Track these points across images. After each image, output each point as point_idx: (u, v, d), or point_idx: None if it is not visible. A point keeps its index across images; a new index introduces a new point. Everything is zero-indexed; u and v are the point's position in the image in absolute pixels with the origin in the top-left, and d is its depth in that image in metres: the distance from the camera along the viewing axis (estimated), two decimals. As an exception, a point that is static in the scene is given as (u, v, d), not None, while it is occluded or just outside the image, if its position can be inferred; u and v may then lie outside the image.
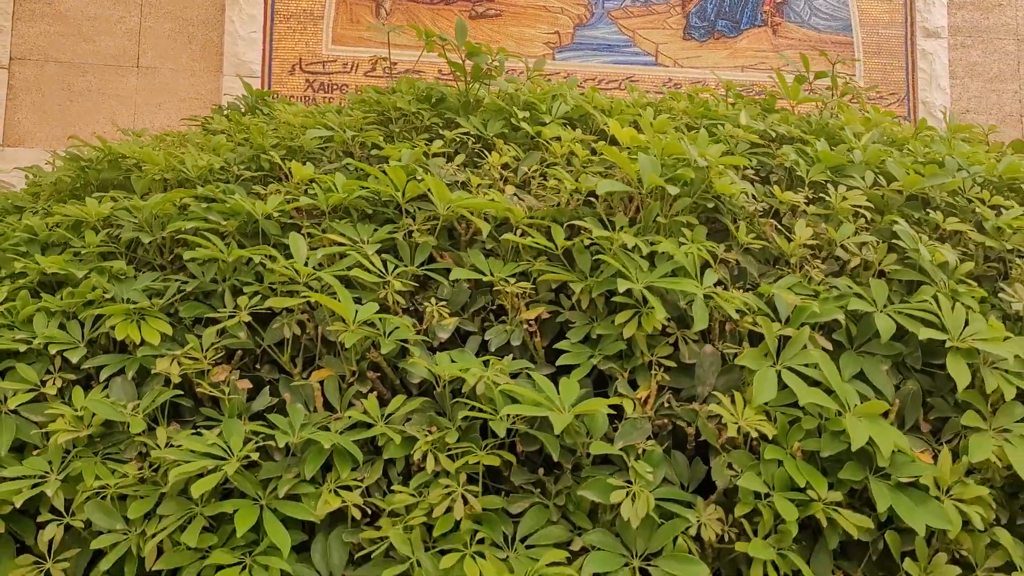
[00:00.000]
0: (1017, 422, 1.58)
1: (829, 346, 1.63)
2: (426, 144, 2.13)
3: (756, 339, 1.66)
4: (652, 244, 1.72)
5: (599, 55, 5.46)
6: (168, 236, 1.90)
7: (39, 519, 1.49)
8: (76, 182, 2.40)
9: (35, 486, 1.48)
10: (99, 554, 1.47)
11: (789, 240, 1.84)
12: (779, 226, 1.91)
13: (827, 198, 1.97)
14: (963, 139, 2.68)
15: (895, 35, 5.50)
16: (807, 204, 1.98)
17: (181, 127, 3.05)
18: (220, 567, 1.38)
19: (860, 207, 1.96)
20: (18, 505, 1.44)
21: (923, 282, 1.77)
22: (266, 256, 1.74)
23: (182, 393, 1.61)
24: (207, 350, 1.65)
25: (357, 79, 4.94)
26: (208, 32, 4.87)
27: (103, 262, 1.88)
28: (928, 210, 2.01)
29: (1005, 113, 5.70)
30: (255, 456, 1.48)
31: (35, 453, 1.56)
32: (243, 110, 2.93)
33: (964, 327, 1.63)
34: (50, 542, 1.47)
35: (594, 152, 2.07)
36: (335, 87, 4.94)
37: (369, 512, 1.49)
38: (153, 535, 1.41)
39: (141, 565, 1.44)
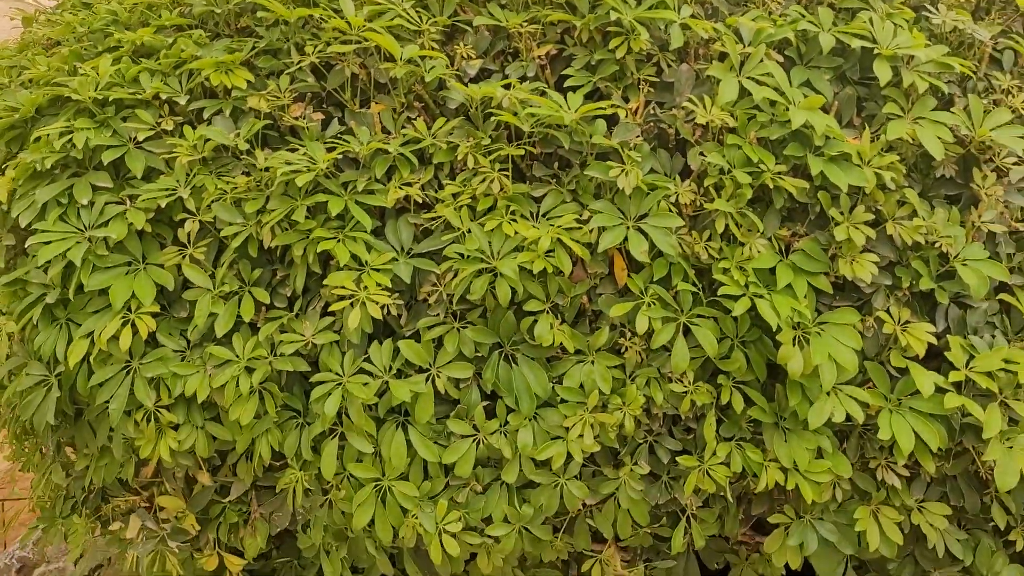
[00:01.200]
0: (930, 111, 1.99)
1: (781, 59, 2.03)
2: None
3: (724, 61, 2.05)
4: (638, -13, 2.08)
5: None
6: (233, 8, 2.26)
7: (177, 217, 1.95)
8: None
9: (169, 196, 1.94)
10: (224, 244, 1.95)
11: (755, -18, 2.19)
12: (748, -28, 2.26)
13: (789, -55, 2.29)
14: None
15: None
16: (773, -48, 2.31)
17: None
18: (320, 239, 1.85)
19: (817, -49, 2.28)
20: (163, 206, 1.91)
21: (864, 8, 2.14)
22: (323, 12, 2.11)
23: (271, 123, 2.04)
24: (284, 92, 2.05)
25: None
26: None
27: (181, 33, 2.26)
28: (877, -49, 2.34)
29: None
30: (337, 160, 1.92)
31: (162, 176, 2.01)
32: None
33: (892, 39, 2.02)
34: (188, 234, 1.94)
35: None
36: None
37: (425, 202, 1.95)
38: (267, 223, 1.88)
39: (260, 248, 1.92)
